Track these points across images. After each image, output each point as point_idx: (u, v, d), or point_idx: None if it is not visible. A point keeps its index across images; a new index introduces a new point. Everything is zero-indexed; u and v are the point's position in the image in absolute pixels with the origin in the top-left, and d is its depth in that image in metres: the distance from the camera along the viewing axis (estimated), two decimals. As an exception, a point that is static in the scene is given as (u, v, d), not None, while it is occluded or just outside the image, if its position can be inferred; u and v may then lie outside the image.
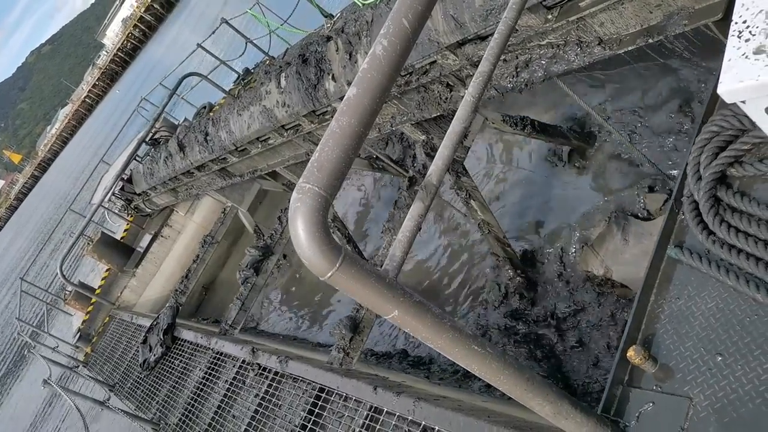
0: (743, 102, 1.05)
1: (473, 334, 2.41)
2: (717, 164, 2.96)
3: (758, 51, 0.97)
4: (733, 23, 1.07)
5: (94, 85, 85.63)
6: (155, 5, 71.39)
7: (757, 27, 1.00)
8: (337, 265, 2.12)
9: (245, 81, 14.45)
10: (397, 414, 4.05)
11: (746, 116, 2.96)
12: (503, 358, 2.44)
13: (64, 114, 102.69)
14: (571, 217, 7.11)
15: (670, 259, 3.02)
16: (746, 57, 0.99)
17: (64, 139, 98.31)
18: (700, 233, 2.91)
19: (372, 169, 9.44)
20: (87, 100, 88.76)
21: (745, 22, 1.03)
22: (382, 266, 2.37)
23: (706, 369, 2.62)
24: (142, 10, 70.07)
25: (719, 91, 1.05)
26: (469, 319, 7.65)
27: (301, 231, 2.12)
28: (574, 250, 6.76)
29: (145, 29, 72.56)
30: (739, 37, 1.02)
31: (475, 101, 2.59)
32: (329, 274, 2.13)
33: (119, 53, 78.55)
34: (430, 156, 5.90)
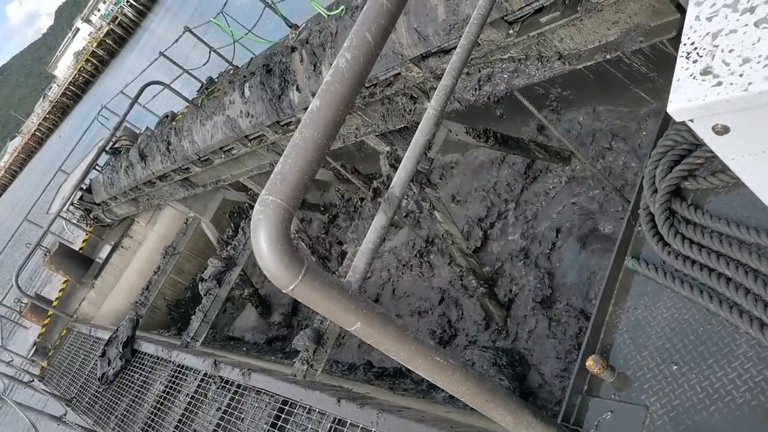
0: (691, 121, 1.09)
1: (435, 345, 2.43)
2: (672, 177, 3.05)
3: (705, 72, 1.01)
4: (682, 44, 1.11)
5: (44, 118, 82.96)
6: (108, 40, 70.37)
7: (704, 49, 1.04)
8: (300, 278, 2.12)
9: (209, 90, 14.32)
10: (361, 426, 4.04)
11: (699, 131, 3.07)
12: (464, 369, 2.45)
13: (13, 146, 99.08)
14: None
15: (627, 270, 3.09)
16: (694, 77, 1.03)
17: (12, 173, 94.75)
18: (656, 245, 2.99)
19: (337, 180, 9.43)
20: (37, 133, 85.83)
21: (693, 43, 1.07)
22: (345, 278, 2.38)
23: (662, 377, 2.69)
24: (95, 45, 69.07)
25: (669, 110, 1.09)
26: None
27: (263, 243, 2.11)
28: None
29: (97, 63, 71.37)
30: (688, 58, 1.06)
31: (438, 114, 2.62)
32: (292, 287, 2.13)
33: (71, 87, 76.77)
34: (395, 167, 5.92)
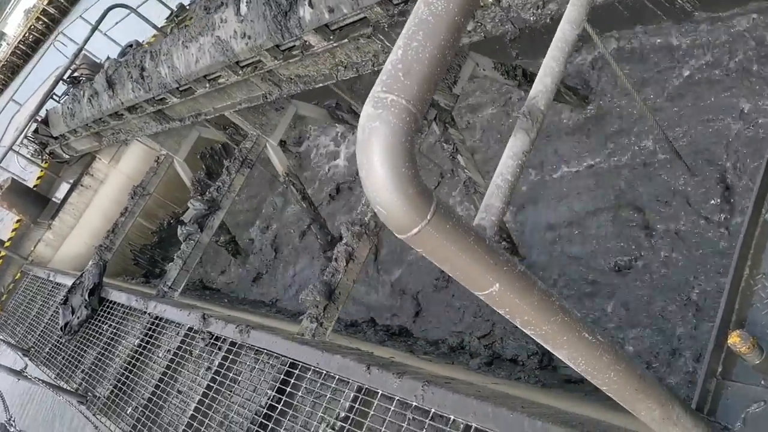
0: None
1: (582, 317, 1.79)
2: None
3: None
4: None
5: (-7, 78, 77.45)
6: (59, -2, 65.81)
7: None
8: (429, 218, 1.44)
9: (179, 18, 13.14)
10: (398, 398, 3.43)
11: None
12: (615, 348, 1.83)
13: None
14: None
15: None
16: None
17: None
18: (811, 195, 2.39)
19: (332, 119, 8.61)
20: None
21: None
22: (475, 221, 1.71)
23: (834, 362, 2.13)
24: (45, 2, 64.57)
25: None
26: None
27: (378, 164, 1.41)
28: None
29: (48, 22, 67.03)
30: None
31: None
32: (416, 230, 1.44)
33: (21, 46, 72.06)
34: (417, 102, 5.19)
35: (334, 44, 5.24)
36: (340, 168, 10.59)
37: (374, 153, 1.39)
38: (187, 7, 13.08)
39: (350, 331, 7.25)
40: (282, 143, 9.17)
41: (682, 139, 5.81)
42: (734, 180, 5.40)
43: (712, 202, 5.46)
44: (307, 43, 5.44)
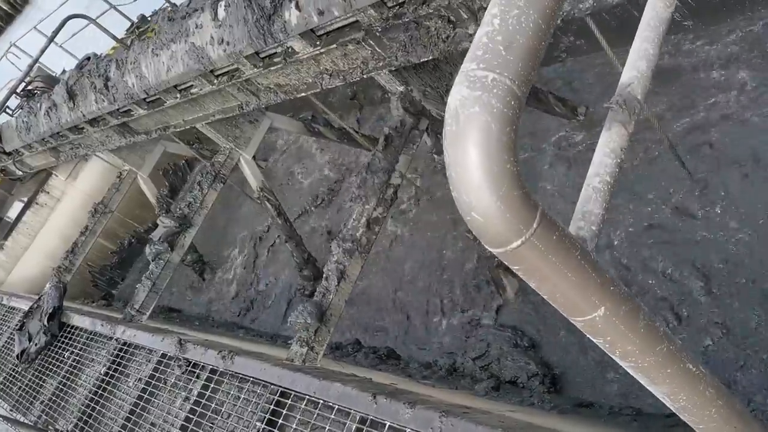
0: None
1: (684, 346, 1.53)
2: None
3: None
4: None
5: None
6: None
7: None
8: (535, 227, 1.16)
9: (140, 30, 12.68)
10: (409, 430, 3.12)
11: None
12: (717, 381, 1.57)
13: None
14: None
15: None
16: None
17: None
18: None
19: (307, 132, 8.28)
20: None
21: None
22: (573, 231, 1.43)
23: None
24: None
25: None
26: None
27: (477, 160, 1.14)
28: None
29: None
30: None
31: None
32: (518, 243, 1.17)
33: None
34: (409, 111, 4.95)
35: (321, 50, 4.95)
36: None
37: (471, 146, 1.11)
38: (149, 18, 12.65)
39: (336, 354, 6.89)
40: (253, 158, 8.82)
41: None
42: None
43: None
44: (290, 50, 5.15)
